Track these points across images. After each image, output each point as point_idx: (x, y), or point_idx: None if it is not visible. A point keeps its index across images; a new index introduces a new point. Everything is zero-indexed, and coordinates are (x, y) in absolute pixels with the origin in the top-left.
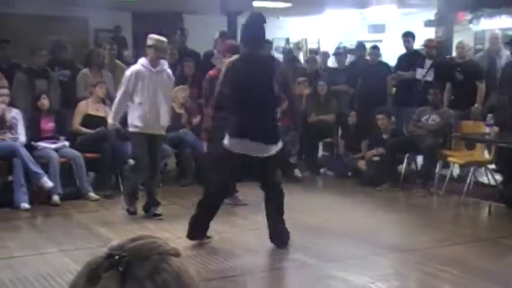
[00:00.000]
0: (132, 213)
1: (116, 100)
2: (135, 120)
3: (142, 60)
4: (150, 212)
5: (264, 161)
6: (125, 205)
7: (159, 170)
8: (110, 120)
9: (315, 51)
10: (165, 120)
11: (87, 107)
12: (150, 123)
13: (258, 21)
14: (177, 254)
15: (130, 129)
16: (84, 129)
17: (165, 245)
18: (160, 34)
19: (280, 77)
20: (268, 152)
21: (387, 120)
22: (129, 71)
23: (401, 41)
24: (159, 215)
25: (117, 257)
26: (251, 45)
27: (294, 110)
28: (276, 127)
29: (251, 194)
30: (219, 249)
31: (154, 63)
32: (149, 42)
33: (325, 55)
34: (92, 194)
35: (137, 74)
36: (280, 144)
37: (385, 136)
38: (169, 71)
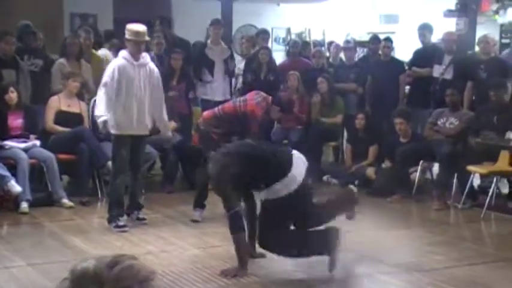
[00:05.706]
0: (120, 227)
1: (100, 98)
2: (117, 121)
3: (123, 53)
4: (133, 215)
5: None
6: (110, 219)
7: (141, 172)
8: (97, 113)
9: (319, 44)
10: (160, 118)
11: (60, 102)
12: (134, 123)
13: None
14: (154, 278)
15: (112, 130)
16: (59, 128)
17: (143, 270)
18: (146, 22)
19: None
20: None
21: (406, 125)
22: (112, 65)
23: (417, 34)
24: (143, 219)
25: None
26: None
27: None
28: None
29: None
30: (208, 263)
31: (136, 56)
32: (127, 35)
33: (338, 48)
34: (66, 201)
35: (120, 69)
36: None
37: (403, 140)
38: (152, 64)
